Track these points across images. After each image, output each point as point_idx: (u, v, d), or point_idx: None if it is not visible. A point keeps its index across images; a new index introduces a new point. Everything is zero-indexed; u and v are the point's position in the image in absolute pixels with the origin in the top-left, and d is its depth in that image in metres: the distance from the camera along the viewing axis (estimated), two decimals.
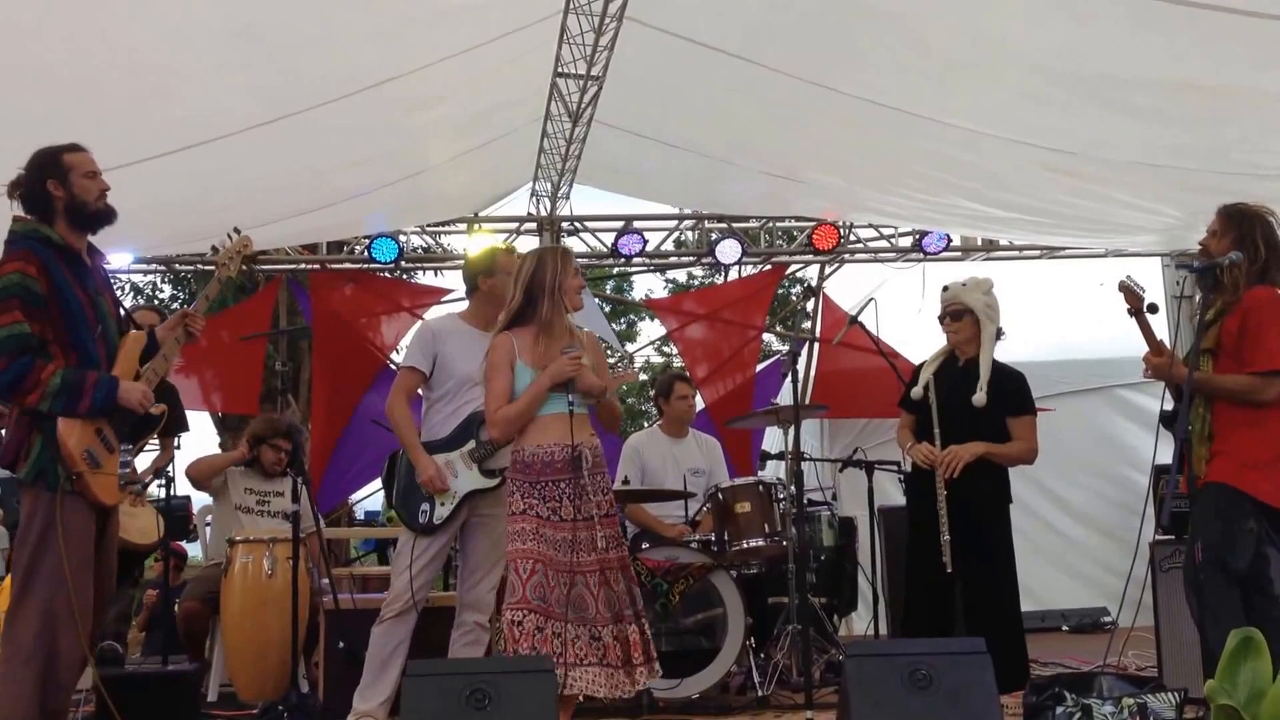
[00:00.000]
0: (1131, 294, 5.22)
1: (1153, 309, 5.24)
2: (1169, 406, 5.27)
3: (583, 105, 7.53)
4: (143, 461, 6.94)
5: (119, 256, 8.65)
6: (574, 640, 4.71)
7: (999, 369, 5.86)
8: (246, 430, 7.74)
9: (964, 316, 5.93)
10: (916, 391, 5.94)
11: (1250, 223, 5.04)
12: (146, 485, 6.54)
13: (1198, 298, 5.34)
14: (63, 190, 4.50)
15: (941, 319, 6.02)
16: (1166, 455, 5.03)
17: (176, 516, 7.39)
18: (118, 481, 4.55)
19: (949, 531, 5.64)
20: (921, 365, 6.13)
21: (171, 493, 6.89)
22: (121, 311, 4.82)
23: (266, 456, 7.36)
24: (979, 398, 5.76)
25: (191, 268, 9.90)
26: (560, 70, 7.14)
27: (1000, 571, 5.78)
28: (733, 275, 10.95)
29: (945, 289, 6.06)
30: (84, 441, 4.42)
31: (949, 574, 5.65)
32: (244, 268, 5.30)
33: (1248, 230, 5.01)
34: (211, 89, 5.83)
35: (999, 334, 5.93)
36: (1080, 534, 9.81)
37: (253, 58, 5.64)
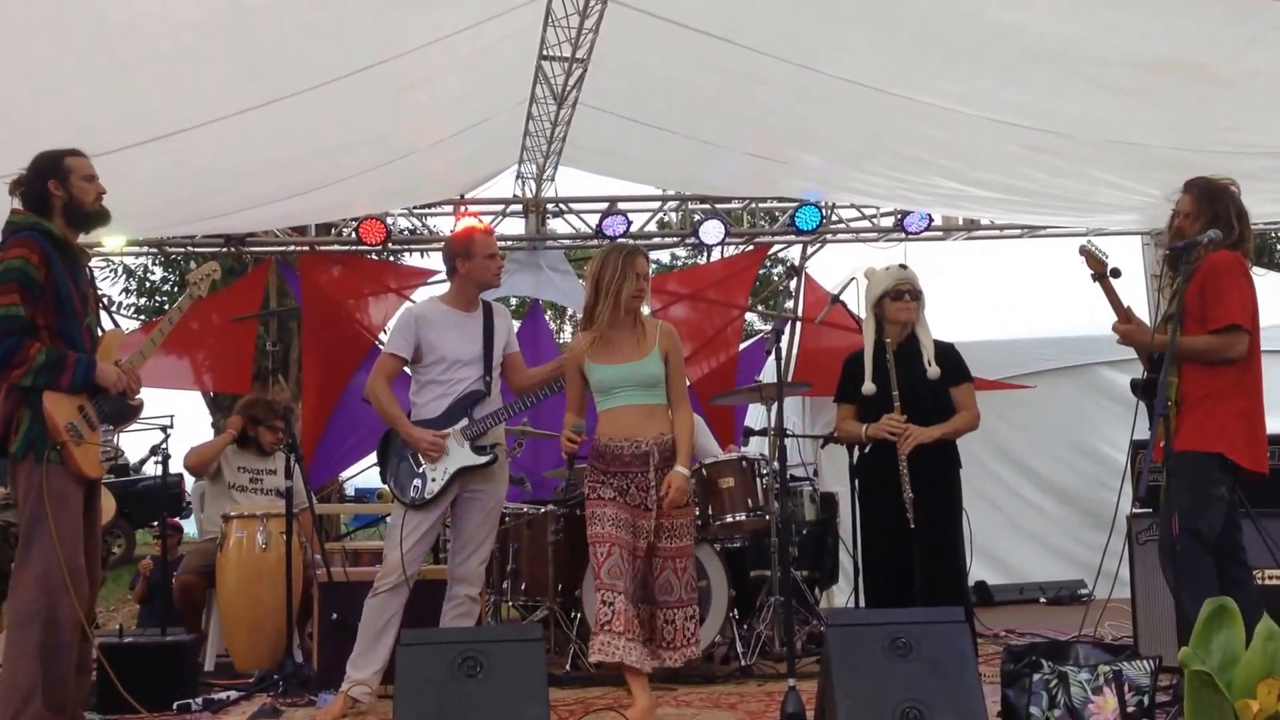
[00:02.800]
0: (1093, 258, 5.32)
1: (1115, 273, 5.33)
2: (1141, 375, 5.39)
3: (567, 88, 7.57)
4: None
5: (111, 239, 8.72)
6: (623, 613, 5.10)
7: (936, 344, 6.05)
8: (238, 407, 7.85)
9: (919, 296, 6.09)
10: (868, 387, 5.98)
11: (1224, 200, 5.14)
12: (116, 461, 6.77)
13: (1165, 276, 5.44)
14: (62, 190, 4.80)
15: (900, 296, 6.06)
16: (1143, 429, 5.14)
17: (171, 494, 7.51)
18: (99, 455, 4.80)
19: (911, 490, 5.77)
20: (852, 361, 6.19)
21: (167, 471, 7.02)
22: (101, 308, 5.08)
23: (265, 437, 7.51)
24: (934, 371, 5.92)
25: (182, 250, 9.96)
26: (545, 53, 7.17)
27: (949, 549, 5.93)
28: (715, 255, 11.04)
29: (903, 267, 6.16)
30: (67, 416, 4.68)
31: (907, 550, 5.79)
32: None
33: (1222, 209, 5.11)
34: (200, 74, 5.88)
35: None
36: (1059, 509, 9.88)
37: (239, 43, 5.69)
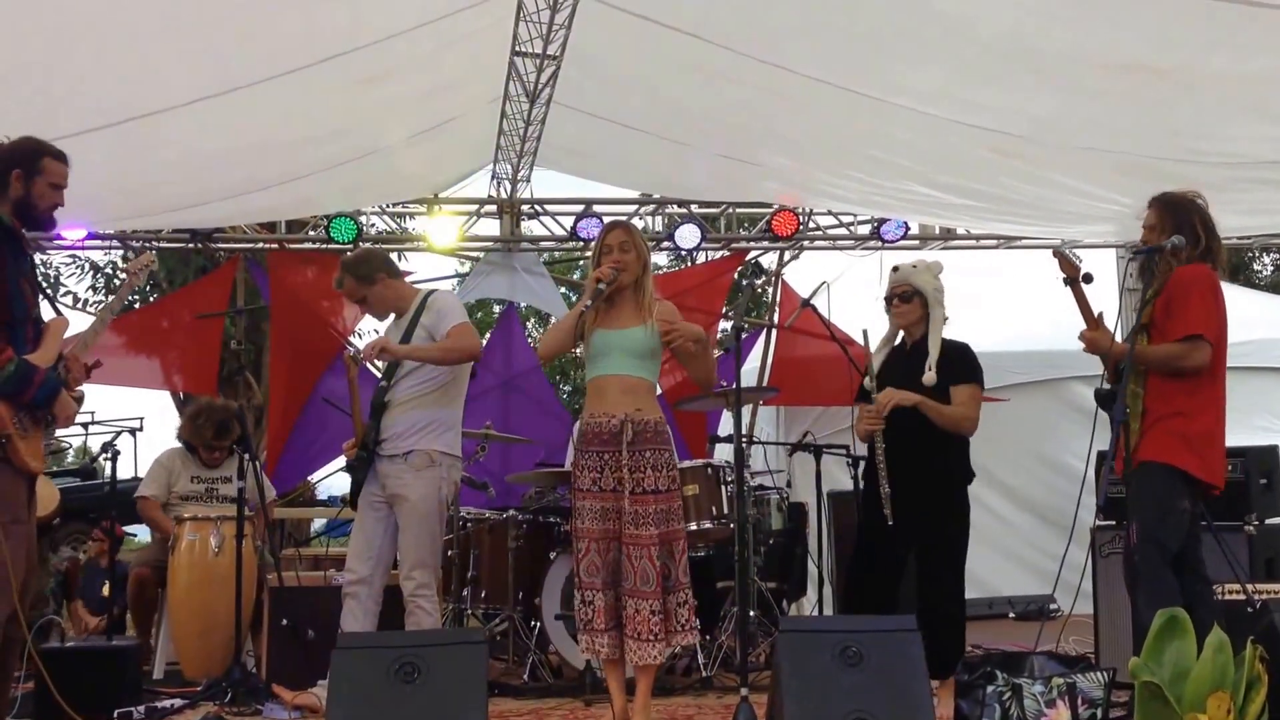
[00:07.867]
0: (1067, 262, 5.32)
1: (1088, 279, 5.32)
2: (1105, 385, 5.35)
3: (540, 85, 7.49)
4: None
5: (73, 231, 8.65)
6: (604, 608, 4.96)
7: (945, 345, 5.79)
8: (177, 431, 7.66)
9: (913, 298, 5.86)
10: (869, 383, 5.86)
11: (1186, 210, 5.16)
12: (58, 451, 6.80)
13: (1140, 287, 5.42)
14: (23, 186, 4.69)
15: (889, 300, 5.95)
16: (1104, 440, 5.10)
17: (123, 500, 7.42)
18: (43, 449, 4.75)
19: (889, 485, 5.61)
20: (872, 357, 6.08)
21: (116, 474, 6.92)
22: (43, 296, 5.01)
23: (203, 456, 7.38)
24: (929, 377, 5.68)
25: (146, 245, 9.87)
26: (517, 49, 7.11)
27: (946, 557, 5.78)
28: (699, 259, 10.96)
29: (895, 269, 5.98)
30: (12, 409, 4.59)
31: (894, 555, 5.67)
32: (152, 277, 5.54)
33: (1185, 218, 5.12)
34: (160, 59, 5.81)
35: (944, 319, 5.92)
36: (1029, 524, 9.91)
37: (202, 28, 5.61)
